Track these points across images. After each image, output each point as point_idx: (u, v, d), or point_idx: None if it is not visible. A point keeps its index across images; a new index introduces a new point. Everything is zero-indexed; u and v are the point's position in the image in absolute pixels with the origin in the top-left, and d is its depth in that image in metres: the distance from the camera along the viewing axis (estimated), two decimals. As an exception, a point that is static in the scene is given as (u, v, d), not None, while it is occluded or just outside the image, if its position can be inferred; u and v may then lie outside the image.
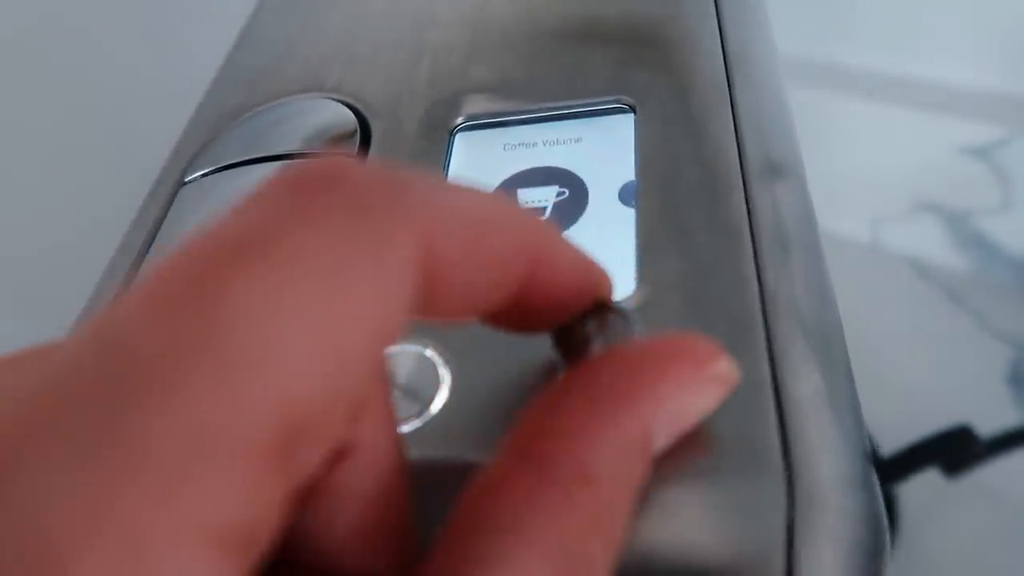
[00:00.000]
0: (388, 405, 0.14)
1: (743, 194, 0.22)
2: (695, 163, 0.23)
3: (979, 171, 0.63)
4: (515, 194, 0.24)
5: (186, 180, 0.28)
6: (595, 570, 0.14)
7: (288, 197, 0.12)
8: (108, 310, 0.11)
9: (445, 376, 0.20)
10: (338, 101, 0.28)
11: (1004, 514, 0.51)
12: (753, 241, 0.21)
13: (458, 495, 0.14)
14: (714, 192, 0.22)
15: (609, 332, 0.17)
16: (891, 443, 0.48)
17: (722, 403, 0.17)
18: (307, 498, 0.13)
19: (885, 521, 0.18)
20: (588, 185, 0.24)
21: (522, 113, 0.26)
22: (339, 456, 0.13)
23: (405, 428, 0.19)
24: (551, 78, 0.27)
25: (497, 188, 0.24)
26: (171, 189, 0.28)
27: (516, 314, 0.16)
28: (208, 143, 0.29)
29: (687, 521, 0.16)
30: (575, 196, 0.24)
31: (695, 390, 0.16)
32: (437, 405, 0.19)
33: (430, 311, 0.14)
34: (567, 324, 0.17)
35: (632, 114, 0.25)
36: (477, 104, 0.27)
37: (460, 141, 0.26)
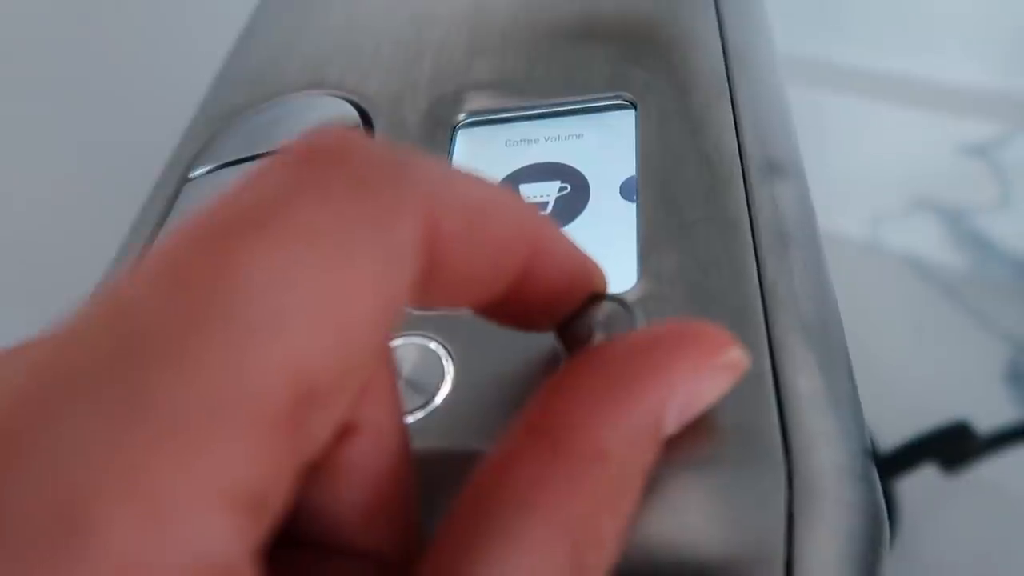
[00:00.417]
0: (393, 387, 0.15)
1: (743, 189, 0.22)
2: (695, 159, 0.23)
3: (977, 169, 0.64)
4: (517, 189, 0.24)
5: (190, 177, 0.28)
6: (604, 547, 0.14)
7: (295, 170, 0.12)
8: (115, 285, 0.11)
9: (449, 368, 0.20)
10: (341, 98, 0.29)
11: (1002, 510, 0.52)
12: (753, 236, 0.21)
13: (467, 478, 0.14)
14: (714, 187, 0.22)
15: (612, 322, 0.17)
16: (889, 439, 0.48)
17: (729, 390, 0.17)
18: (314, 473, 0.13)
19: (884, 512, 0.18)
20: (590, 180, 0.24)
21: (524, 109, 0.26)
22: (345, 433, 0.13)
23: (409, 420, 0.19)
24: (552, 75, 0.27)
25: (499, 184, 0.25)
26: (175, 186, 0.28)
27: (514, 307, 0.16)
28: (211, 140, 0.29)
29: (688, 510, 0.17)
30: (577, 191, 0.24)
31: (707, 376, 0.16)
32: (441, 397, 0.19)
33: (431, 295, 0.14)
34: (570, 315, 0.17)
35: (633, 110, 0.25)
36: (479, 100, 0.27)
37: (462, 137, 0.26)
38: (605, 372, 0.15)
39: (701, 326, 0.16)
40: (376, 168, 0.12)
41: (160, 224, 0.27)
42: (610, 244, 0.22)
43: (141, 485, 0.09)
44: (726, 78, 0.26)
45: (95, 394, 0.10)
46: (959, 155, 0.64)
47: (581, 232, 0.23)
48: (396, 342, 0.21)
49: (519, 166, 0.25)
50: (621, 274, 0.21)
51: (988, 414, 0.48)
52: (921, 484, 0.49)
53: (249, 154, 0.27)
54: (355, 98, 0.29)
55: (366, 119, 0.28)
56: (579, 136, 0.25)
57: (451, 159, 0.25)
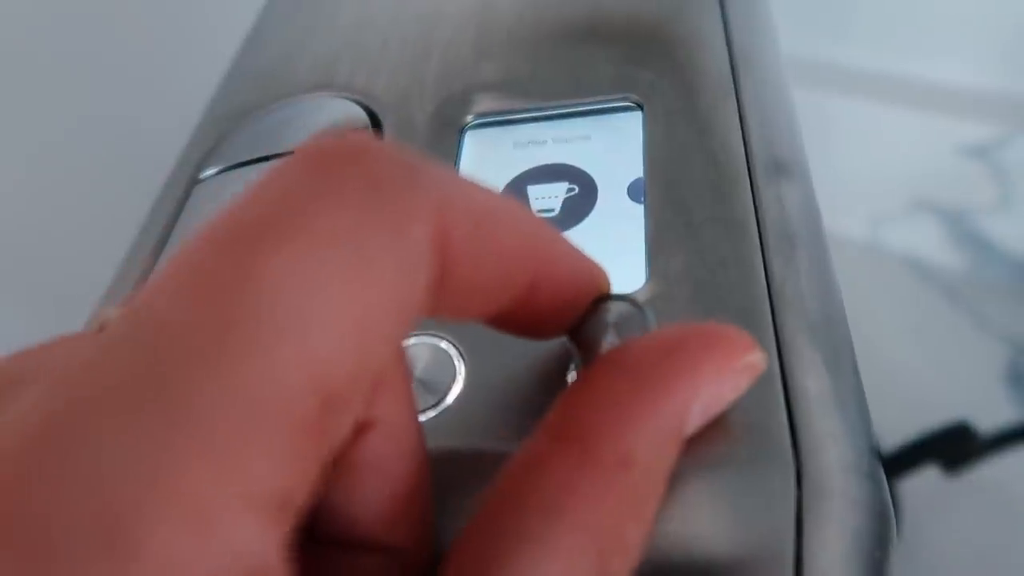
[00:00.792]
0: (407, 385, 0.15)
1: (749, 190, 0.23)
2: (702, 160, 0.23)
3: (977, 170, 0.64)
4: (525, 191, 0.24)
5: (200, 177, 0.28)
6: (629, 551, 0.14)
7: (311, 174, 0.12)
8: (140, 297, 0.11)
9: (460, 368, 0.20)
10: (349, 99, 0.29)
11: (1003, 511, 0.52)
12: (760, 236, 0.21)
13: (489, 480, 0.14)
14: (721, 188, 0.23)
15: (625, 323, 0.17)
16: (891, 440, 0.48)
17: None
18: (332, 471, 0.13)
19: (891, 509, 0.18)
20: (597, 182, 0.24)
21: (531, 111, 0.26)
22: (361, 430, 0.14)
23: (421, 419, 0.19)
24: (560, 76, 0.27)
25: (508, 185, 0.25)
26: (185, 187, 0.28)
27: (523, 316, 0.16)
28: (220, 141, 0.29)
29: (698, 508, 0.17)
30: (584, 193, 0.24)
31: (728, 378, 0.16)
32: (453, 396, 0.20)
33: (442, 304, 0.14)
34: (581, 319, 0.17)
35: (640, 112, 0.25)
36: (487, 102, 0.27)
37: (470, 139, 0.26)
38: (630, 376, 0.15)
39: (723, 328, 0.17)
40: (389, 172, 0.13)
41: (170, 225, 0.27)
42: (618, 245, 0.22)
43: (182, 495, 0.10)
44: (732, 79, 0.26)
45: (132, 407, 0.10)
46: (959, 156, 0.64)
47: (589, 233, 0.23)
48: (408, 342, 0.21)
49: (527, 167, 0.25)
50: (629, 275, 0.21)
51: (988, 415, 0.48)
52: (922, 485, 0.49)
53: (259, 155, 0.28)
54: (363, 99, 0.29)
55: (374, 120, 0.28)
56: (586, 138, 0.25)
57: (459, 160, 0.26)
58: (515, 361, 0.20)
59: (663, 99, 0.25)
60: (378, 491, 0.14)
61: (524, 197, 0.24)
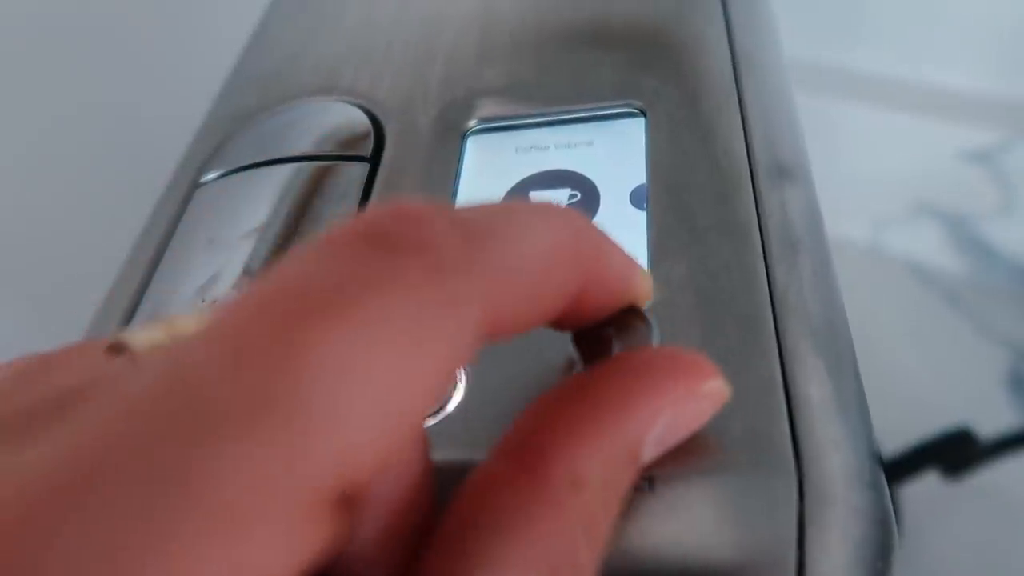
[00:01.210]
0: (422, 432, 0.15)
1: (752, 196, 0.23)
2: (705, 166, 0.23)
3: (979, 175, 0.64)
4: (527, 196, 0.24)
5: (202, 181, 0.28)
6: (581, 571, 0.14)
7: (367, 253, 0.12)
8: (181, 349, 0.11)
9: (461, 377, 0.20)
10: (352, 103, 0.29)
11: (1004, 516, 0.52)
12: (762, 241, 0.21)
13: (452, 493, 0.14)
14: (723, 194, 0.23)
15: (629, 336, 0.17)
16: (891, 446, 0.48)
17: (717, 413, 0.17)
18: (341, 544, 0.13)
19: (893, 517, 0.18)
20: (599, 188, 0.24)
21: (534, 116, 0.26)
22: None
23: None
24: (563, 82, 0.27)
25: (510, 191, 0.25)
26: (186, 190, 0.28)
27: (560, 318, 0.16)
28: (222, 144, 0.29)
29: (701, 515, 0.17)
30: (587, 199, 0.24)
31: (688, 406, 0.16)
32: (453, 405, 0.20)
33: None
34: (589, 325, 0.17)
35: (642, 118, 0.25)
36: (489, 107, 0.27)
37: (472, 144, 0.26)
38: (587, 399, 0.16)
39: (686, 354, 0.17)
40: (447, 254, 0.12)
41: (172, 227, 0.27)
42: (620, 251, 0.22)
43: (179, 572, 0.09)
44: (735, 84, 0.26)
45: (144, 471, 0.10)
46: (961, 161, 0.64)
47: (591, 239, 0.23)
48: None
49: (529, 173, 0.25)
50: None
51: (989, 419, 0.48)
52: (923, 490, 0.49)
53: (261, 159, 0.28)
54: (366, 103, 0.29)
55: (377, 125, 0.28)
56: (589, 143, 0.25)
57: (461, 165, 0.26)
58: (517, 370, 0.20)
59: (666, 105, 0.25)
60: (381, 526, 0.14)
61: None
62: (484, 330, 0.13)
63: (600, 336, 0.17)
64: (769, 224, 0.22)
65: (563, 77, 0.27)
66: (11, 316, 0.49)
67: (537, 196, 0.24)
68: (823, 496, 0.17)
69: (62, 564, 0.09)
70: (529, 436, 0.15)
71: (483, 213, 0.14)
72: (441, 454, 0.17)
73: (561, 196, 0.24)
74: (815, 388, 0.19)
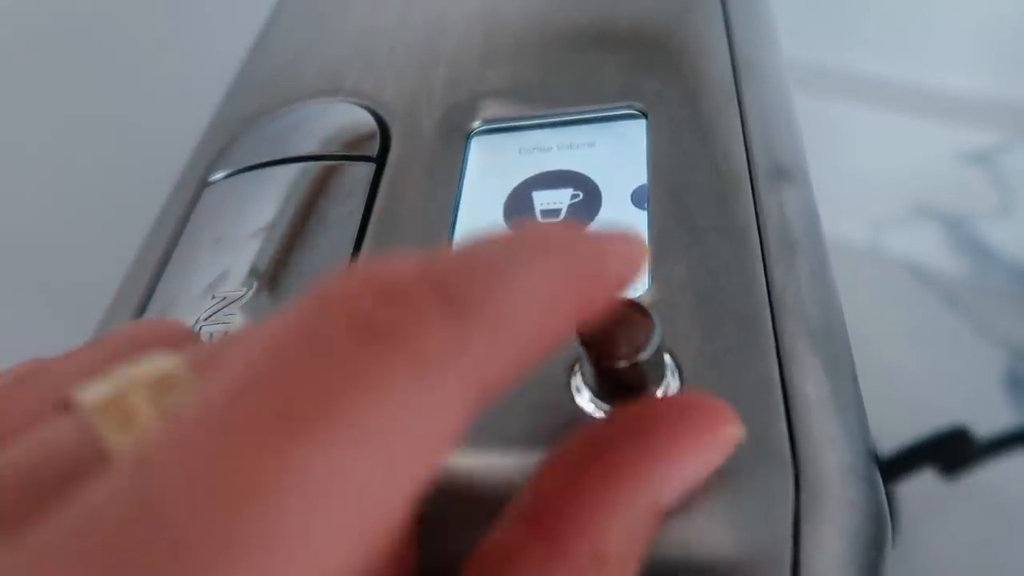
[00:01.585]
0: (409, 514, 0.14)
1: (751, 197, 0.23)
2: (705, 167, 0.24)
3: (978, 176, 0.64)
4: (530, 196, 0.25)
5: (209, 181, 0.28)
6: None
7: (348, 349, 0.11)
8: (150, 460, 0.10)
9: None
10: (357, 104, 0.29)
11: (1000, 515, 0.52)
12: (761, 242, 0.22)
13: (467, 556, 0.14)
14: (723, 195, 0.23)
15: (633, 332, 0.17)
16: (889, 444, 0.48)
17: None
18: None
19: (887, 512, 0.19)
20: (601, 188, 0.25)
21: (537, 118, 0.27)
22: None
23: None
24: (565, 84, 0.27)
25: (513, 191, 0.25)
26: (194, 190, 0.29)
27: None
28: (229, 145, 0.30)
29: (699, 510, 0.17)
30: (589, 199, 0.24)
31: (707, 453, 0.16)
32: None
33: None
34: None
35: (644, 119, 0.26)
36: (493, 108, 0.27)
37: (476, 144, 0.27)
38: (603, 459, 0.15)
39: (703, 403, 0.16)
40: (437, 345, 0.11)
41: (179, 227, 0.27)
42: (622, 251, 0.23)
43: None
44: (734, 86, 0.26)
45: None
46: (959, 162, 0.64)
47: (593, 239, 0.23)
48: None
49: (532, 173, 0.25)
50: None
51: (987, 419, 0.48)
52: (920, 489, 0.50)
53: (267, 159, 0.28)
54: (371, 104, 0.29)
55: (382, 126, 0.28)
56: (591, 144, 0.26)
57: (466, 166, 0.26)
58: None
59: (667, 107, 0.26)
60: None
61: (529, 202, 0.25)
62: (476, 406, 0.12)
63: (605, 332, 0.17)
64: (768, 225, 0.22)
65: (566, 79, 0.28)
66: (23, 315, 0.49)
67: (540, 196, 0.25)
68: (819, 492, 0.17)
69: None
70: (546, 502, 0.15)
71: (472, 268, 0.13)
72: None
73: (563, 196, 0.25)
74: (812, 387, 0.19)
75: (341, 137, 0.28)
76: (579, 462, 0.15)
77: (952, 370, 0.60)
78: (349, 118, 0.29)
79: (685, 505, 0.17)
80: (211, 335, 0.23)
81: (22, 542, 0.10)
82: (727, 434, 0.16)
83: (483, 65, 0.29)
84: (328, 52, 0.32)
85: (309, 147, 0.28)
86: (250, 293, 0.24)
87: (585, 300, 0.14)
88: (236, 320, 0.23)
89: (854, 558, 0.17)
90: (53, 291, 0.50)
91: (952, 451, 0.47)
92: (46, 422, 0.13)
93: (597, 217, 0.24)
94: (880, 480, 0.19)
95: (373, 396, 0.11)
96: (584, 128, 0.26)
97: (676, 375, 0.19)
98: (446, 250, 0.13)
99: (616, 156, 0.25)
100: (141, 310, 0.25)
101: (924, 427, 0.48)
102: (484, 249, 0.13)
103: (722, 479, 0.17)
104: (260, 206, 0.26)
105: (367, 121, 0.28)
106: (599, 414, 0.18)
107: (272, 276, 0.24)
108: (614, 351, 0.17)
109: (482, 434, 0.19)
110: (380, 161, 0.27)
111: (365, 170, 0.27)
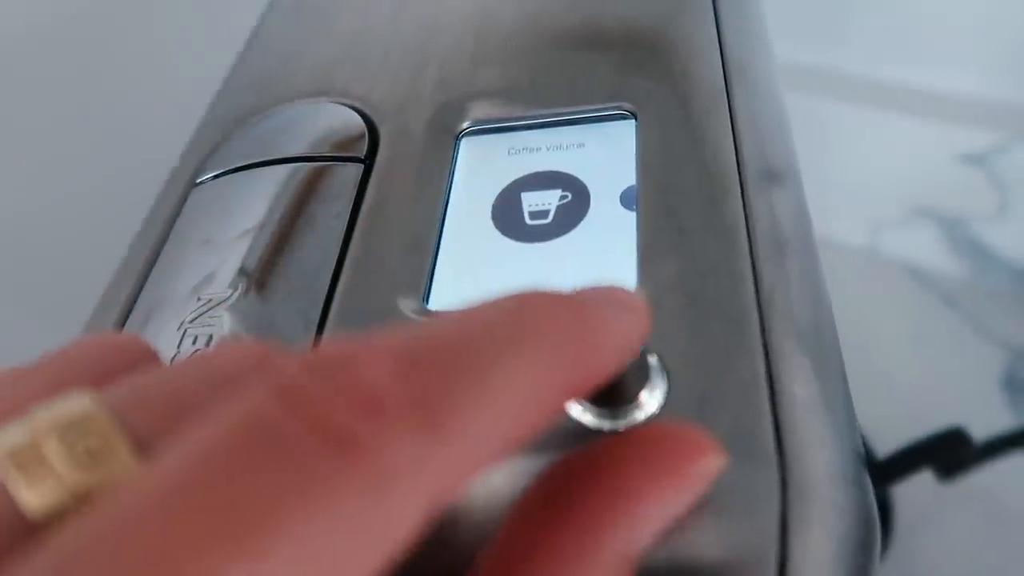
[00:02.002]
0: None
1: (740, 198, 0.23)
2: (694, 168, 0.24)
3: (976, 177, 0.64)
4: (519, 197, 0.25)
5: (198, 181, 0.28)
6: None
7: (307, 455, 0.10)
8: (73, 556, 0.10)
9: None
10: (346, 105, 0.29)
11: (997, 517, 0.52)
12: (750, 243, 0.22)
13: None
14: (712, 196, 0.23)
15: (629, 369, 0.17)
16: (886, 446, 0.48)
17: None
18: None
19: (876, 515, 0.19)
20: (590, 189, 0.24)
21: (526, 119, 0.27)
22: None
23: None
24: (554, 85, 0.27)
25: (502, 192, 0.25)
26: (182, 190, 0.28)
27: None
28: (219, 145, 0.30)
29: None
30: (578, 199, 0.24)
31: (678, 493, 0.15)
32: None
33: None
34: None
35: (633, 120, 0.26)
36: (482, 109, 0.27)
37: (466, 145, 0.27)
38: (572, 511, 0.14)
39: (672, 432, 0.16)
40: (401, 464, 0.11)
41: (168, 227, 0.27)
42: (610, 252, 0.22)
43: None
44: (725, 88, 0.26)
45: None
46: (957, 163, 0.64)
47: (581, 240, 0.23)
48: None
49: (521, 174, 0.25)
50: (621, 281, 0.21)
51: (984, 421, 0.48)
52: (917, 490, 0.49)
53: (256, 160, 0.28)
54: (361, 105, 0.29)
55: (371, 126, 0.28)
56: (580, 145, 0.26)
57: (455, 166, 0.26)
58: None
59: (656, 108, 0.26)
60: None
61: (518, 203, 0.25)
62: (436, 509, 0.11)
63: None
64: (757, 226, 0.22)
65: (555, 80, 0.28)
66: (8, 316, 0.49)
67: (528, 197, 0.25)
68: (806, 493, 0.17)
69: None
70: (516, 561, 0.14)
71: (453, 369, 0.12)
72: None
73: (552, 197, 0.25)
74: (800, 387, 0.19)
75: (330, 138, 0.28)
76: (545, 513, 0.15)
77: (950, 371, 0.59)
78: (338, 119, 0.29)
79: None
80: (195, 338, 0.23)
81: None
82: (703, 467, 0.15)
83: (473, 66, 0.29)
84: (319, 53, 0.32)
85: (297, 148, 0.28)
86: (236, 295, 0.24)
87: (575, 387, 0.14)
88: (222, 321, 0.23)
89: (842, 562, 0.17)
90: (40, 292, 0.50)
91: (949, 453, 0.47)
92: None
93: (585, 218, 0.24)
94: (869, 483, 0.19)
95: (323, 505, 0.10)
96: (573, 129, 0.26)
97: (663, 377, 0.19)
98: (426, 336, 0.12)
99: (605, 157, 0.25)
100: (128, 311, 0.25)
101: (921, 429, 0.47)
102: (467, 341, 0.12)
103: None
104: (248, 207, 0.26)
105: (356, 122, 0.28)
106: (586, 418, 0.18)
107: (259, 278, 0.24)
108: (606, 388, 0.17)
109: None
110: (368, 162, 0.27)
111: (353, 171, 0.26)
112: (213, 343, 0.22)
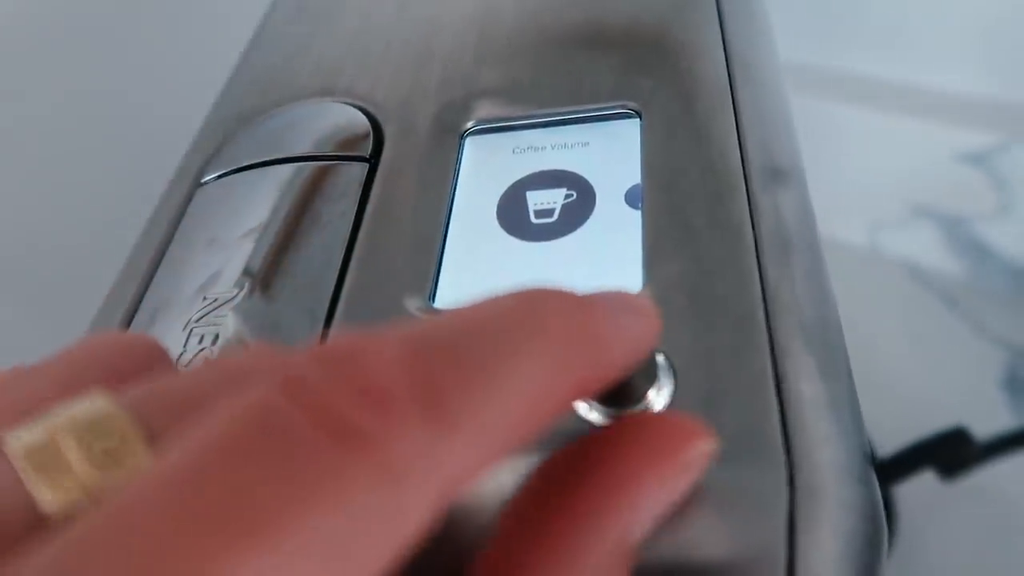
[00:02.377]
0: None
1: (745, 196, 0.23)
2: (699, 166, 0.24)
3: (976, 177, 0.64)
4: (524, 196, 0.25)
5: (202, 181, 0.28)
6: None
7: (314, 449, 0.10)
8: (76, 530, 0.10)
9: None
10: (351, 104, 0.29)
11: (1000, 516, 0.52)
12: (755, 242, 0.22)
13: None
14: (717, 194, 0.23)
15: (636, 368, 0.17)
16: (888, 445, 0.48)
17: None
18: None
19: (883, 513, 0.19)
20: (595, 188, 0.24)
21: (531, 117, 0.27)
22: None
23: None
24: (559, 84, 0.27)
25: (507, 191, 0.25)
26: (187, 190, 0.28)
27: None
28: (223, 144, 0.30)
29: (692, 509, 0.17)
30: (583, 198, 0.24)
31: (676, 477, 0.15)
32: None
33: None
34: None
35: (638, 119, 0.26)
36: (487, 108, 0.27)
37: (470, 144, 0.27)
38: (566, 504, 0.14)
39: (661, 420, 0.16)
40: (408, 458, 0.11)
41: (173, 227, 0.27)
42: (615, 251, 0.22)
43: None
44: (729, 86, 0.26)
45: None
46: (958, 163, 0.64)
47: (587, 239, 0.23)
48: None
49: (526, 173, 0.25)
50: (626, 280, 0.21)
51: (986, 420, 0.48)
52: (919, 490, 0.49)
53: (261, 159, 0.28)
54: (365, 104, 0.29)
55: (376, 125, 0.28)
56: (585, 144, 0.26)
57: (460, 165, 0.26)
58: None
59: (661, 106, 0.26)
60: None
61: (523, 202, 0.25)
62: (445, 503, 0.11)
63: None
64: (762, 224, 0.22)
65: (560, 78, 0.28)
66: (14, 315, 0.49)
67: (533, 195, 0.25)
68: (813, 490, 0.17)
69: None
70: (512, 557, 0.14)
71: (461, 363, 0.12)
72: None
73: (557, 196, 0.25)
74: (806, 385, 0.19)
75: (334, 137, 0.28)
76: (539, 510, 0.15)
77: (951, 371, 0.60)
78: (342, 118, 0.29)
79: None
80: (201, 337, 0.23)
81: None
82: (695, 451, 0.15)
83: (477, 64, 0.29)
84: (323, 52, 0.32)
85: (302, 147, 0.28)
86: (242, 294, 0.24)
87: (583, 388, 0.14)
88: (228, 321, 0.23)
89: (850, 559, 0.17)
90: (45, 292, 0.50)
91: (951, 452, 0.47)
92: None
93: (590, 217, 0.24)
94: (876, 481, 0.19)
95: (332, 500, 0.10)
96: (578, 128, 0.26)
97: (670, 375, 0.19)
98: (435, 329, 0.12)
99: (610, 156, 0.25)
100: (133, 311, 0.25)
101: (923, 428, 0.48)
102: (476, 334, 0.12)
103: (714, 475, 0.17)
104: (253, 206, 0.26)
105: (360, 121, 0.28)
106: (592, 416, 0.18)
107: (265, 277, 0.24)
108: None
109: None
110: (373, 161, 0.27)
111: (358, 170, 0.26)
112: (219, 342, 0.23)
